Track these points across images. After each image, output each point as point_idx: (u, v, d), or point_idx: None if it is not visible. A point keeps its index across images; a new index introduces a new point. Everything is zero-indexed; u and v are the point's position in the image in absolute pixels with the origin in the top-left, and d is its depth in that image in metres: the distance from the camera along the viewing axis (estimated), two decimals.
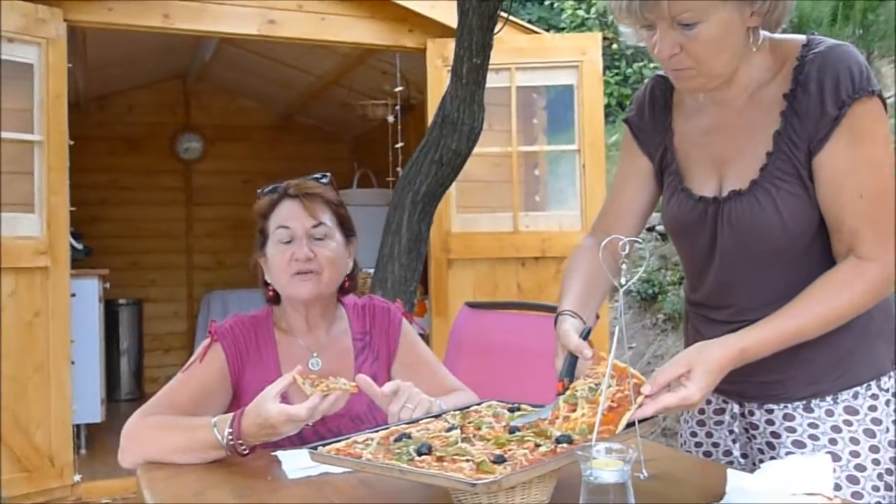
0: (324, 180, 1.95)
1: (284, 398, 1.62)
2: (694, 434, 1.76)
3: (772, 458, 1.60)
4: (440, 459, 1.22)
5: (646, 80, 1.76)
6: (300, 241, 1.85)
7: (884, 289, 1.45)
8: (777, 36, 1.52)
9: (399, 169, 4.63)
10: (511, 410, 1.55)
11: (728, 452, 1.71)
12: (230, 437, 1.60)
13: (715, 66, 1.45)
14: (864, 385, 1.54)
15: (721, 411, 1.70)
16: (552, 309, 2.83)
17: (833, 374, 1.54)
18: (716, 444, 1.71)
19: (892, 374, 1.57)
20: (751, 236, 1.51)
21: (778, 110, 1.48)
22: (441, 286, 4.64)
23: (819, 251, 1.50)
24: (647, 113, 1.71)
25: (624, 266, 1.18)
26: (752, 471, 1.70)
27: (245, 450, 1.61)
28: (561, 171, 5.06)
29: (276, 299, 1.93)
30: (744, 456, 1.69)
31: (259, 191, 1.94)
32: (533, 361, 2.52)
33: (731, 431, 1.69)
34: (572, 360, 1.50)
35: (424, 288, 5.01)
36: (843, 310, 1.43)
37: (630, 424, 1.28)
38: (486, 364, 2.64)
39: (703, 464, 1.65)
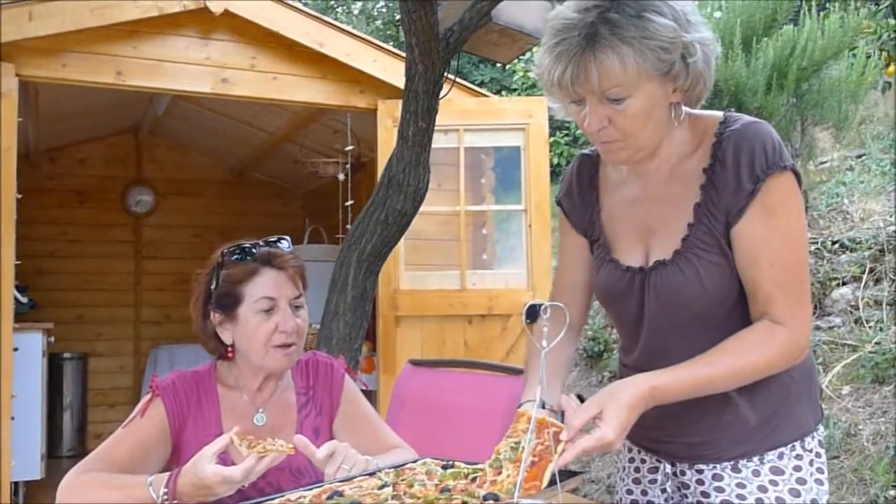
0: (287, 246, 1.97)
1: (224, 458, 1.64)
2: (630, 492, 1.80)
3: None
4: None
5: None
6: (284, 311, 1.87)
7: (793, 354, 1.52)
8: (696, 112, 1.62)
9: (349, 226, 4.69)
10: (444, 468, 1.59)
11: None
12: (165, 497, 1.61)
13: (641, 138, 1.53)
14: (789, 445, 1.59)
15: (655, 470, 1.75)
16: (496, 368, 2.90)
17: (759, 435, 1.58)
18: (651, 502, 1.75)
19: (815, 434, 1.63)
20: (675, 303, 1.58)
21: (698, 183, 1.56)
22: (389, 343, 4.67)
23: (740, 315, 1.56)
24: (576, 192, 1.79)
25: (545, 329, 1.24)
26: None
27: None
28: (508, 229, 5.16)
29: (225, 356, 1.93)
30: None
31: (226, 250, 1.92)
32: (475, 420, 2.56)
33: (664, 490, 1.73)
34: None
35: (373, 344, 5.03)
36: (753, 366, 1.50)
37: (553, 481, 1.33)
38: (428, 421, 2.67)
39: None
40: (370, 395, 2.26)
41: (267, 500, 1.37)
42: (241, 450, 1.60)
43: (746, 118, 1.56)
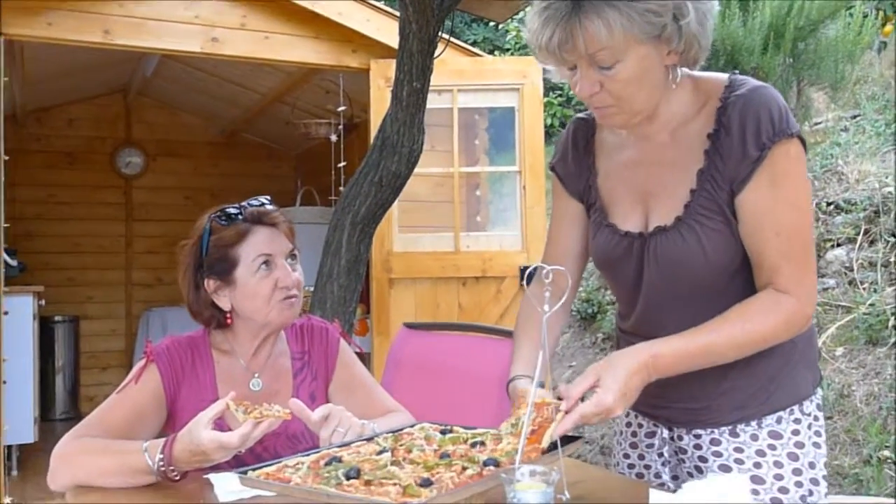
0: (271, 204, 1.95)
1: (219, 423, 1.62)
2: (626, 456, 1.80)
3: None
4: (368, 483, 1.24)
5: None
6: (282, 266, 1.86)
7: (798, 323, 1.50)
8: (698, 74, 1.58)
9: (341, 188, 4.65)
10: (443, 433, 1.58)
11: (658, 475, 1.74)
12: (161, 463, 1.59)
13: (635, 103, 1.50)
14: (788, 410, 1.59)
15: (652, 434, 1.74)
16: (492, 331, 2.88)
17: (757, 399, 1.58)
18: (647, 467, 1.75)
19: (813, 398, 1.63)
20: (676, 270, 1.55)
21: (702, 149, 1.53)
22: (382, 305, 4.65)
23: (742, 284, 1.55)
24: (571, 157, 1.76)
25: (547, 293, 1.22)
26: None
27: (176, 475, 1.61)
28: (502, 191, 5.13)
29: (224, 324, 1.91)
30: (674, 478, 1.72)
31: (213, 216, 1.89)
32: (471, 383, 2.55)
33: (662, 455, 1.72)
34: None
35: (366, 307, 5.02)
36: (756, 334, 1.48)
37: (553, 446, 1.32)
38: (424, 385, 2.66)
39: (626, 484, 1.69)
40: (364, 358, 2.25)
41: (264, 466, 1.35)
42: (238, 415, 1.58)
43: (752, 82, 1.53)
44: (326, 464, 1.36)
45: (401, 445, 1.49)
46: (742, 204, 1.49)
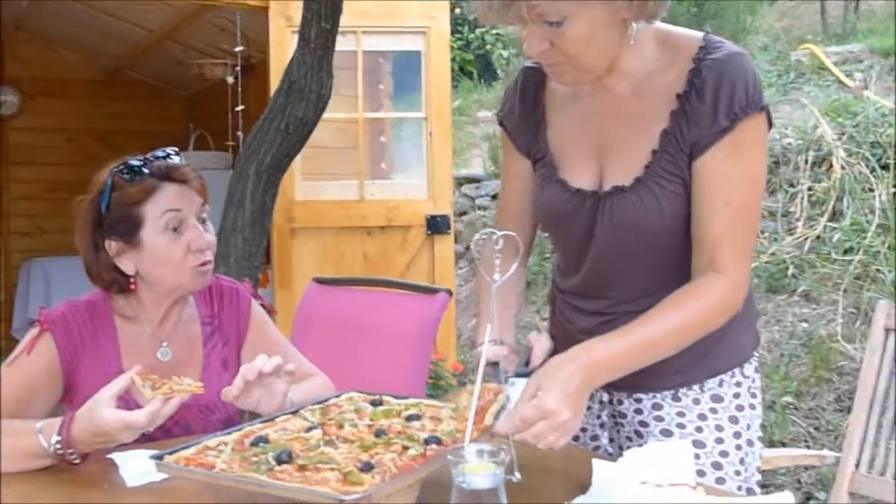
0: (180, 159, 1.77)
1: (124, 399, 1.48)
2: (585, 429, 1.73)
3: (639, 445, 1.60)
4: (302, 468, 1.13)
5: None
6: (193, 227, 1.70)
7: (734, 304, 1.46)
8: (668, 28, 1.51)
9: (239, 133, 4.42)
10: (374, 404, 1.47)
11: (595, 437, 1.71)
12: (58, 446, 1.44)
13: (586, 61, 1.42)
14: (729, 373, 1.57)
15: (590, 398, 1.64)
16: (404, 286, 2.79)
17: (699, 363, 1.55)
18: (584, 430, 1.71)
19: (752, 360, 1.62)
20: (630, 231, 1.50)
21: (668, 108, 1.46)
22: (284, 256, 4.47)
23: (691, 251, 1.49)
24: (518, 110, 1.67)
25: (497, 261, 1.12)
26: (618, 456, 1.72)
27: (75, 458, 1.46)
28: (407, 138, 4.98)
29: (127, 289, 1.74)
30: (611, 441, 1.70)
31: (115, 169, 1.70)
32: (387, 341, 2.46)
33: (599, 418, 1.69)
34: (495, 369, 1.47)
35: (267, 258, 4.82)
36: (693, 321, 1.43)
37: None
38: (337, 343, 2.55)
39: (567, 451, 1.64)
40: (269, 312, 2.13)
41: (181, 449, 1.22)
42: (145, 391, 1.44)
43: (728, 46, 1.47)
44: (253, 444, 1.24)
45: (329, 420, 1.38)
46: (698, 169, 1.44)
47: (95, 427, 1.42)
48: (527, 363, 1.49)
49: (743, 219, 1.44)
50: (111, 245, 1.70)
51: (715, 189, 1.42)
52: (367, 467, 1.12)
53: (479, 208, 6.51)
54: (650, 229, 1.48)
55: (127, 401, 1.61)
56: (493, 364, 1.47)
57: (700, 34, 1.51)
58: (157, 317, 1.77)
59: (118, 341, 1.73)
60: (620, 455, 1.65)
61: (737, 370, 1.58)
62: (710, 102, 1.41)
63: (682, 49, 1.48)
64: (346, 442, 1.26)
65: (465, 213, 6.60)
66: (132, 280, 1.72)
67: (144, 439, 1.50)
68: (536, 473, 1.41)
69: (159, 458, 1.18)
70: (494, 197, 5.99)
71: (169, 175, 1.70)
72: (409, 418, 1.37)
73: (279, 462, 1.14)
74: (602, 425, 1.69)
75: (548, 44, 1.37)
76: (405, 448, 1.21)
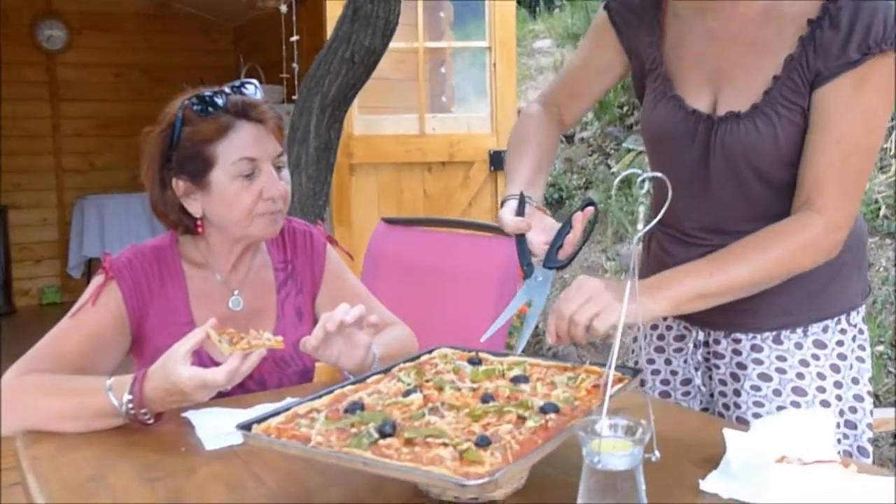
0: (257, 92, 1.61)
1: (198, 354, 1.36)
2: (651, 361, 1.68)
3: (735, 390, 1.54)
4: (409, 443, 0.99)
5: None
6: (268, 174, 1.55)
7: (827, 247, 1.37)
8: None
9: (294, 65, 4.23)
10: (472, 363, 1.33)
11: (687, 381, 1.64)
12: (130, 405, 1.33)
13: None
14: (835, 319, 1.49)
15: (681, 338, 1.62)
16: (478, 227, 2.63)
17: (806, 305, 1.47)
18: (674, 373, 1.65)
19: (860, 309, 1.53)
20: (742, 161, 1.41)
21: (797, 34, 1.37)
22: (343, 193, 4.33)
23: None
24: (637, 5, 1.57)
25: (642, 208, 0.94)
26: (710, 399, 1.60)
27: (148, 418, 1.35)
28: (468, 69, 4.77)
29: (194, 231, 1.61)
30: (703, 385, 1.63)
31: (187, 101, 1.55)
32: (463, 286, 2.31)
33: (693, 360, 1.61)
34: (520, 241, 1.41)
35: None
36: (775, 259, 1.34)
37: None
38: (410, 287, 2.41)
39: (692, 419, 1.49)
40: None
41: (269, 417, 1.08)
42: (222, 347, 1.32)
43: None
44: (348, 410, 1.10)
45: (427, 382, 1.23)
46: (816, 100, 1.35)
47: (170, 385, 1.30)
48: (560, 247, 1.39)
49: (852, 160, 1.34)
50: (178, 184, 1.56)
51: (829, 124, 1.34)
52: (483, 442, 0.97)
53: None
54: (764, 159, 1.40)
55: (200, 356, 1.50)
56: (520, 238, 1.41)
57: None
58: (228, 263, 1.64)
59: (187, 289, 1.61)
60: (711, 400, 1.62)
61: (843, 317, 1.50)
62: (844, 32, 1.32)
63: None
64: (451, 409, 1.11)
65: None
66: (200, 222, 1.58)
67: (218, 395, 1.38)
68: (661, 444, 1.26)
69: (246, 427, 1.04)
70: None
71: (245, 113, 1.54)
72: (516, 380, 1.23)
73: (382, 434, 1.00)
74: (696, 367, 1.62)
75: None
76: (521, 418, 1.06)
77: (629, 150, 5.29)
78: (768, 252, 1.34)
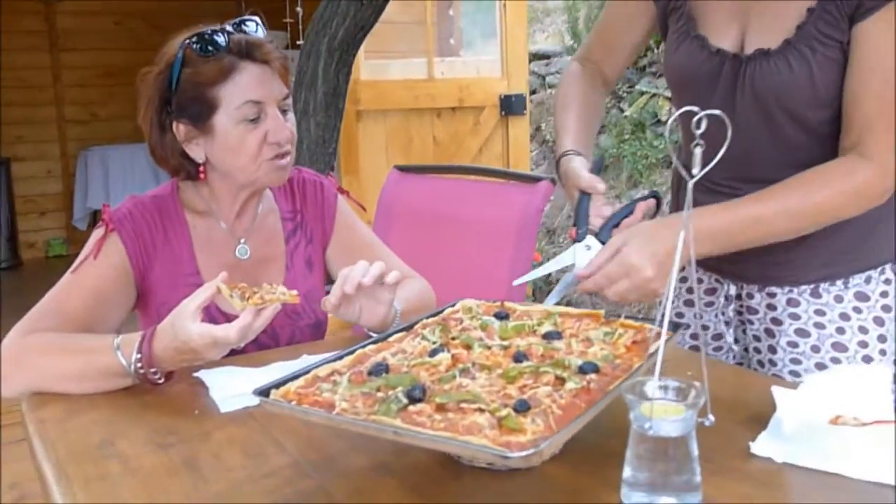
0: (258, 30, 1.52)
1: (207, 311, 1.30)
2: (680, 315, 1.61)
3: (770, 346, 1.47)
4: (441, 408, 0.91)
5: None
6: (274, 118, 1.47)
7: (873, 195, 1.29)
8: None
9: (298, 9, 4.10)
10: (499, 317, 1.25)
11: (719, 336, 1.57)
12: (139, 364, 1.26)
13: None
14: (879, 269, 1.41)
15: (713, 292, 1.55)
16: (495, 173, 2.53)
17: (847, 256, 1.40)
18: (705, 328, 1.58)
19: None
20: (774, 102, 1.33)
21: None
22: (350, 140, 4.22)
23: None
24: None
25: (698, 150, 0.85)
26: (744, 355, 1.53)
27: (159, 378, 1.29)
28: (477, 11, 4.62)
29: (196, 177, 1.54)
30: (735, 341, 1.56)
31: (188, 41, 1.46)
32: (480, 235, 2.23)
33: (724, 314, 1.54)
34: (585, 200, 1.37)
35: None
36: (819, 205, 1.27)
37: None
38: (425, 237, 2.33)
39: (737, 375, 1.41)
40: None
41: (289, 380, 1.01)
42: (234, 302, 1.25)
43: None
44: (371, 373, 1.03)
45: (454, 340, 1.16)
46: (858, 35, 1.25)
47: (180, 343, 1.23)
48: (616, 225, 1.35)
49: None
50: (179, 128, 1.48)
51: (874, 61, 1.24)
52: (522, 407, 0.89)
53: (550, 87, 6.13)
54: (798, 99, 1.30)
55: (211, 311, 1.43)
56: (584, 195, 1.37)
57: None
58: (233, 210, 1.57)
59: (191, 238, 1.54)
60: (745, 356, 1.55)
61: (888, 266, 1.42)
62: None
63: None
64: (483, 370, 1.03)
65: (534, 92, 6.24)
66: (202, 168, 1.50)
67: (231, 352, 1.31)
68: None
69: (264, 393, 0.97)
70: None
71: (249, 53, 1.45)
72: (548, 336, 1.15)
73: (412, 400, 0.93)
74: (727, 323, 1.55)
75: None
76: (559, 379, 0.98)
77: (642, 93, 5.15)
78: (813, 195, 1.27)
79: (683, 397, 0.88)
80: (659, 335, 1.12)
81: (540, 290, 4.21)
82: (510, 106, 4.26)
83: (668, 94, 5.14)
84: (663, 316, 0.88)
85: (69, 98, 6.76)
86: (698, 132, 0.82)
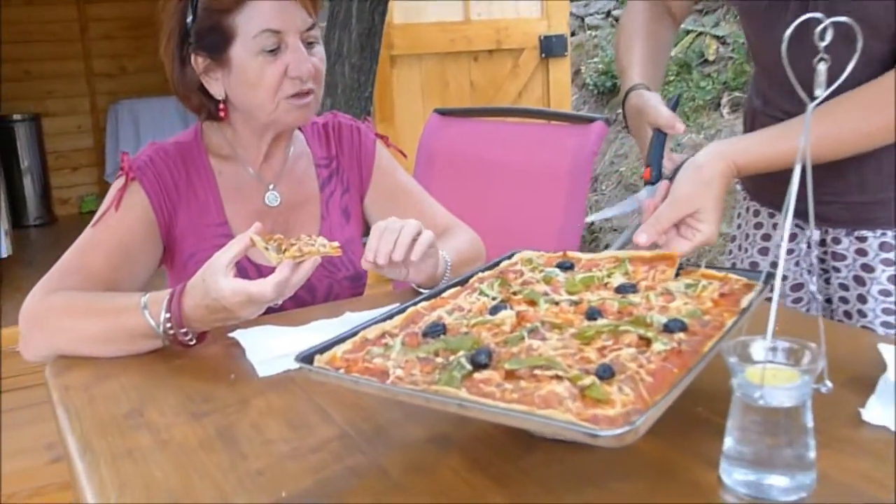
0: None
1: (240, 265, 1.19)
2: (755, 264, 1.47)
3: (860, 296, 1.33)
4: (511, 375, 0.79)
5: None
6: (295, 49, 1.34)
7: None
8: None
9: None
10: (563, 267, 1.12)
11: (799, 286, 1.44)
12: (168, 325, 1.15)
13: None
14: None
15: (793, 237, 1.40)
16: (535, 114, 2.39)
17: None
18: (783, 277, 1.43)
19: None
20: (854, 16, 1.12)
21: None
22: (384, 85, 4.07)
23: None
24: None
25: (822, 65, 0.71)
26: (828, 307, 1.42)
27: (190, 339, 1.18)
28: None
29: (216, 115, 1.42)
30: (819, 292, 1.43)
31: None
32: (529, 181, 2.09)
33: (806, 261, 1.41)
34: (661, 138, 1.28)
35: None
36: (884, 129, 1.13)
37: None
38: (468, 183, 2.20)
39: (836, 331, 1.25)
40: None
41: (334, 344, 0.89)
42: (269, 255, 1.13)
43: None
44: (426, 334, 0.91)
45: (515, 294, 1.03)
46: None
47: (211, 301, 1.12)
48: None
49: None
50: (197, 60, 1.37)
51: None
52: (606, 373, 0.77)
53: (590, 28, 5.91)
54: (880, 12, 1.15)
55: (243, 265, 1.32)
56: (660, 133, 1.28)
57: None
58: (259, 154, 1.46)
59: (217, 185, 1.43)
60: (829, 307, 1.42)
61: None
62: None
63: None
64: (553, 329, 0.91)
65: (573, 34, 6.02)
66: (222, 105, 1.38)
67: (267, 310, 1.20)
68: None
69: (308, 360, 0.85)
70: (608, 14, 5.38)
71: None
72: (622, 289, 1.02)
73: (476, 366, 0.80)
74: (809, 271, 1.41)
75: None
76: (644, 339, 0.85)
77: (688, 32, 4.93)
78: (879, 110, 1.14)
79: (797, 361, 0.75)
80: (747, 287, 0.99)
81: (588, 245, 4.07)
82: (550, 47, 4.07)
83: (715, 32, 4.91)
84: (773, 265, 0.74)
85: (97, 51, 6.65)
86: (822, 44, 0.67)
